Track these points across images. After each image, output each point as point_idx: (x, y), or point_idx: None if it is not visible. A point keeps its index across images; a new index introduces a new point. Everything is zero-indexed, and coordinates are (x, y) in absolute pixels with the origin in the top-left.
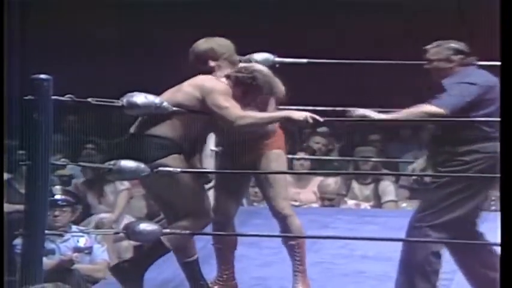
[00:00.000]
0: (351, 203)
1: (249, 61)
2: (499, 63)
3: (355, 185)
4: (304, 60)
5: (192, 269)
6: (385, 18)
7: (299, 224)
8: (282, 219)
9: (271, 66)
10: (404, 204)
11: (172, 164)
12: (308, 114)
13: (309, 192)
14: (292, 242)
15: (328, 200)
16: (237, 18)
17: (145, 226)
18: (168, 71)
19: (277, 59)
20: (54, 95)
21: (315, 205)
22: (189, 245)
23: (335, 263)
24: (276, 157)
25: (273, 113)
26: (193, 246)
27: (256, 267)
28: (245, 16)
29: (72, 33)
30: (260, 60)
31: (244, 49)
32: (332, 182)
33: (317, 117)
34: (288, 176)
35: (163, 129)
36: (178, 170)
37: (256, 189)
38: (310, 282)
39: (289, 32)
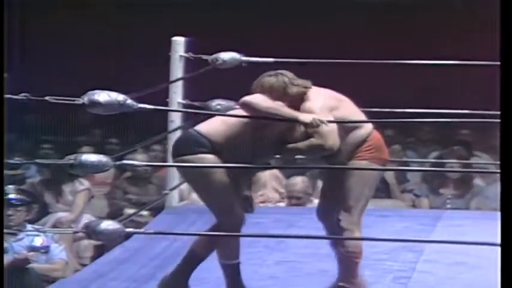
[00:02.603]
0: (317, 202)
1: (216, 60)
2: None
3: (320, 184)
4: (271, 60)
5: (231, 273)
6: (384, 17)
7: (356, 243)
8: (339, 230)
9: (238, 65)
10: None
11: (199, 162)
12: (316, 117)
13: (271, 191)
14: (347, 251)
15: (296, 199)
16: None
17: (107, 225)
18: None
19: (244, 58)
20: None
21: (281, 204)
22: (231, 248)
23: (300, 262)
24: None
25: (282, 108)
26: (236, 249)
27: None
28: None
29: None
30: (227, 59)
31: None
32: (299, 181)
33: (323, 119)
34: (367, 192)
35: (208, 129)
36: (142, 163)
37: None
38: None
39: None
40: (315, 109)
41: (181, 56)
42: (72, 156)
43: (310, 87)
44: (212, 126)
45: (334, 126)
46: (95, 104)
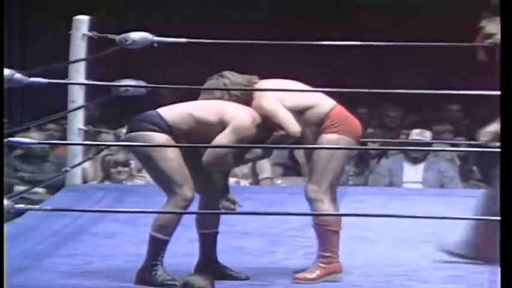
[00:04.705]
0: (231, 180)
1: (125, 40)
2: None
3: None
4: (184, 40)
5: (155, 246)
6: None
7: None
8: (309, 202)
9: (150, 45)
10: (279, 181)
11: (146, 139)
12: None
13: None
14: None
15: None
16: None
17: None
18: None
19: (156, 38)
20: None
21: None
22: (167, 224)
23: None
24: (327, 143)
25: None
26: (171, 227)
27: (132, 245)
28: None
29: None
30: (138, 39)
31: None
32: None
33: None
34: (335, 164)
35: (169, 112)
36: (35, 141)
37: (127, 168)
38: None
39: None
40: (271, 105)
41: (84, 34)
42: None
43: (255, 82)
44: (175, 111)
45: (289, 113)
46: None
